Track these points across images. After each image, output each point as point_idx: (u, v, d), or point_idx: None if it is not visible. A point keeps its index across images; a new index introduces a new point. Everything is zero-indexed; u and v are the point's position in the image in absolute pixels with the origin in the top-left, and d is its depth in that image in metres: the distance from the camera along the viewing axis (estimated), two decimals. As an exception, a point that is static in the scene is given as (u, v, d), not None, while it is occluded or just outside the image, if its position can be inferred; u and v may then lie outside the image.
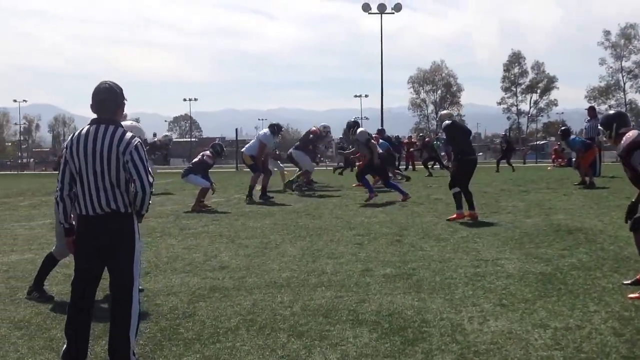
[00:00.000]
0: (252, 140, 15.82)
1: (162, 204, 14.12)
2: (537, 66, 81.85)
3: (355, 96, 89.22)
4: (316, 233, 9.32)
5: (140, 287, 4.16)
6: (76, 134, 4.01)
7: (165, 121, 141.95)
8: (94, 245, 3.95)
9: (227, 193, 16.81)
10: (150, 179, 3.89)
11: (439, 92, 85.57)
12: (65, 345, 4.01)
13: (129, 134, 3.94)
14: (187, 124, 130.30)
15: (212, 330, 4.80)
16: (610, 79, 74.95)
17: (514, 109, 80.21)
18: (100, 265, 4.02)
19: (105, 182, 3.88)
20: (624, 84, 74.27)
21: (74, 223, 4.09)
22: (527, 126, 76.28)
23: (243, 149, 15.73)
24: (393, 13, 50.32)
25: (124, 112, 4.67)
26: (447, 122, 10.87)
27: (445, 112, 14.07)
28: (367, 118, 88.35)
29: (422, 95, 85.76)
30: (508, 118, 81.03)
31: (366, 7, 50.04)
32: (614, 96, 74.68)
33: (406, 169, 27.26)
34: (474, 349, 4.27)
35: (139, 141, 3.94)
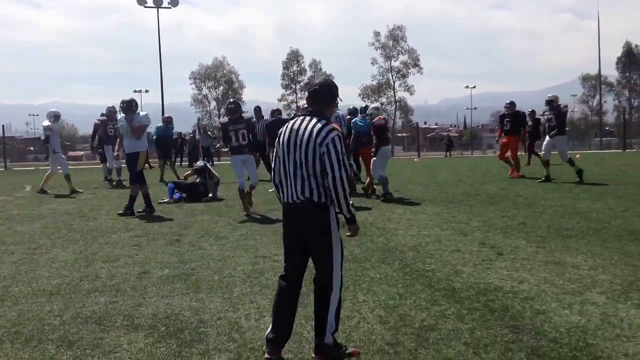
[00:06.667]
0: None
1: None
2: (315, 64, 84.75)
3: (135, 91, 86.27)
4: (91, 236, 8.93)
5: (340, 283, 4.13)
6: (288, 124, 4.14)
7: None
8: (294, 233, 4.10)
9: (-7, 195, 15.57)
10: (343, 174, 3.88)
11: (221, 88, 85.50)
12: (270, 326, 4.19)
13: (329, 127, 3.96)
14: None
15: (-30, 347, 4.41)
16: (382, 78, 79.65)
17: (294, 105, 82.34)
18: (303, 256, 4.14)
19: (303, 171, 3.99)
20: (394, 82, 79.31)
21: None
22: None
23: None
24: (170, 7, 49.14)
25: None
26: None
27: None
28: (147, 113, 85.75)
29: (205, 91, 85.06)
30: (289, 114, 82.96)
31: (141, 1, 47.96)
32: (385, 94, 79.47)
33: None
34: (250, 345, 4.34)
35: (338, 134, 3.95)
